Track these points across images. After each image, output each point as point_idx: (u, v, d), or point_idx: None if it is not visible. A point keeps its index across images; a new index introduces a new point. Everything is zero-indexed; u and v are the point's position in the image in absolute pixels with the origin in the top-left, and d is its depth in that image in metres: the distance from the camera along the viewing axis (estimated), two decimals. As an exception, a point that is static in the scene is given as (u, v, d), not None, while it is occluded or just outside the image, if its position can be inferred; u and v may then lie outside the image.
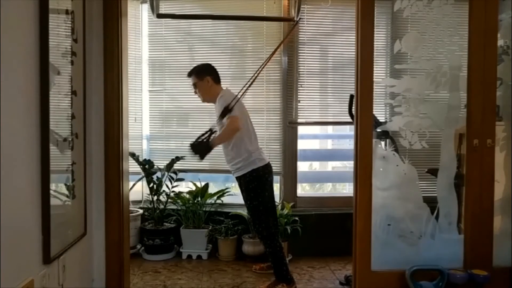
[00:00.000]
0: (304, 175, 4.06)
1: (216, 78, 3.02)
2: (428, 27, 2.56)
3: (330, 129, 4.44)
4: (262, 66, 3.09)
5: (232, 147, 2.90)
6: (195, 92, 3.05)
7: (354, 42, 2.52)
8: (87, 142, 2.17)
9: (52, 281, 1.71)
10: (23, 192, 1.50)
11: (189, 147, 2.87)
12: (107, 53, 2.34)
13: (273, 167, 3.04)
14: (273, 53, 3.14)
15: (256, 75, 3.05)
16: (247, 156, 2.87)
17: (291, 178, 3.83)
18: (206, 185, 3.70)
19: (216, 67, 3.07)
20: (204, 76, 2.99)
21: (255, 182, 2.88)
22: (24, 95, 1.50)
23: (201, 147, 2.83)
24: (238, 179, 2.96)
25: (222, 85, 3.06)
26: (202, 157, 2.85)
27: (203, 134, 2.85)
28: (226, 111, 2.78)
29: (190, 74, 3.04)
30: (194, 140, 2.87)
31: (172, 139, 3.98)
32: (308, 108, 3.87)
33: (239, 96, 2.88)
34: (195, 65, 3.09)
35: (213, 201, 3.71)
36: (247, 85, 2.98)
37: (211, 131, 2.84)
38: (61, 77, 1.80)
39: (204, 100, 3.07)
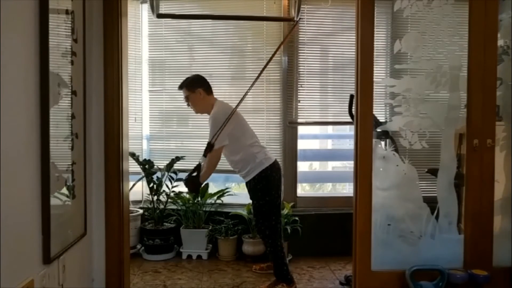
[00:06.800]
0: (304, 175, 4.06)
1: (208, 89, 3.01)
2: (428, 27, 2.56)
3: (330, 129, 4.43)
4: (261, 71, 3.10)
5: (237, 156, 2.92)
6: (188, 105, 3.05)
7: (354, 42, 2.52)
8: (87, 142, 2.17)
9: (52, 281, 1.71)
10: (23, 192, 1.50)
11: (183, 183, 3.04)
12: (107, 53, 2.33)
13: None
14: (272, 56, 3.14)
15: (254, 81, 3.06)
16: (254, 159, 2.89)
17: (291, 178, 3.83)
18: (206, 185, 3.70)
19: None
20: (196, 88, 2.97)
21: (264, 181, 2.89)
22: (24, 94, 1.50)
23: (193, 184, 2.99)
24: (248, 183, 2.95)
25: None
26: (196, 192, 3.11)
27: (193, 170, 2.96)
28: (208, 148, 2.87)
29: (181, 87, 3.02)
30: (186, 175, 3.00)
31: (172, 139, 3.99)
32: (308, 108, 3.87)
33: (235, 106, 2.90)
34: (185, 78, 3.06)
35: (213, 201, 3.71)
36: (246, 93, 2.99)
37: (200, 165, 2.94)
38: (61, 78, 1.80)
39: (197, 112, 3.07)
